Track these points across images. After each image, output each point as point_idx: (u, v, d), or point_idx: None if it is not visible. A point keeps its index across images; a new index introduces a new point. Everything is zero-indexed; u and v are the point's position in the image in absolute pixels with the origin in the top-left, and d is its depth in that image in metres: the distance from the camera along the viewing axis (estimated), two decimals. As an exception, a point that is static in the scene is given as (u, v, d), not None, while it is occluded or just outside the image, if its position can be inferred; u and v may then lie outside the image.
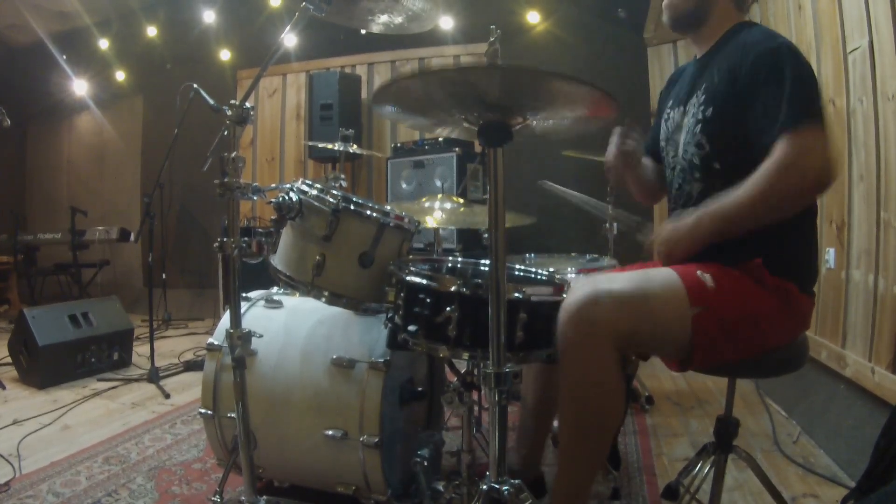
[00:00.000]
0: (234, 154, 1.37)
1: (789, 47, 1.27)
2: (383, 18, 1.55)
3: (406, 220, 1.55)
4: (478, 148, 4.08)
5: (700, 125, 1.39)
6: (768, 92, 1.24)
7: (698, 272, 1.26)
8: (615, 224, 2.77)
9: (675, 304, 1.23)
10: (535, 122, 1.17)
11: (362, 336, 1.62)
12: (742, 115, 1.28)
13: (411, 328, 1.30)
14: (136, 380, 3.12)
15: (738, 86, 1.30)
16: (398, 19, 1.55)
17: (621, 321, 1.18)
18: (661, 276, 1.27)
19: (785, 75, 1.23)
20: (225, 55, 5.19)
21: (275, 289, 1.91)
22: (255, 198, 1.43)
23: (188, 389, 3.00)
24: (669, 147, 1.52)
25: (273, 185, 1.51)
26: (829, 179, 1.21)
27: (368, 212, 1.49)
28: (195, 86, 1.67)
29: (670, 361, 1.34)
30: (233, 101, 1.37)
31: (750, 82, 1.28)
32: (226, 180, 1.37)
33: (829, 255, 2.38)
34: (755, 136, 1.25)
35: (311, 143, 3.96)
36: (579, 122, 1.21)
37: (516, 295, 1.23)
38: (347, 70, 4.82)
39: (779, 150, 1.19)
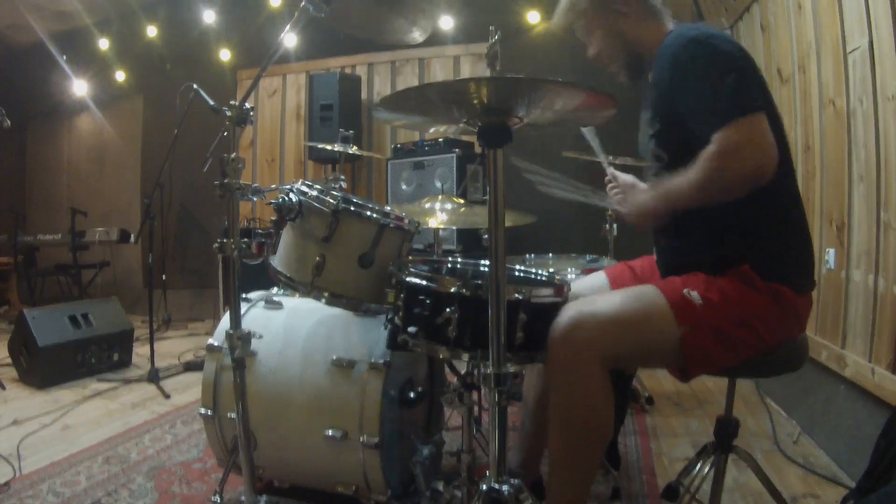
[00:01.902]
0: (233, 155, 1.37)
1: (697, 40, 1.27)
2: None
3: (406, 220, 1.56)
4: (478, 149, 4.08)
5: (654, 140, 1.42)
6: (688, 92, 1.26)
7: (685, 290, 1.28)
8: (615, 224, 2.77)
9: (661, 324, 1.25)
10: (535, 116, 1.18)
11: (362, 337, 1.62)
12: (681, 120, 1.29)
13: (411, 329, 1.30)
14: (136, 380, 3.12)
15: (665, 93, 1.32)
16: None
17: (606, 343, 1.22)
18: (646, 296, 1.29)
19: (699, 71, 1.24)
20: (225, 55, 5.18)
21: (275, 289, 1.91)
22: (254, 199, 1.43)
23: (188, 390, 3.00)
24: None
25: (273, 186, 1.51)
26: (770, 162, 1.19)
27: (368, 213, 1.49)
28: (195, 86, 1.67)
29: (672, 370, 1.35)
30: (233, 102, 1.37)
31: (668, 86, 1.30)
32: (226, 181, 1.37)
33: (829, 255, 2.38)
34: (698, 136, 1.25)
35: (310, 144, 3.96)
36: (581, 117, 1.24)
37: (516, 296, 1.23)
38: (347, 70, 4.82)
39: (715, 142, 1.19)
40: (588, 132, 1.93)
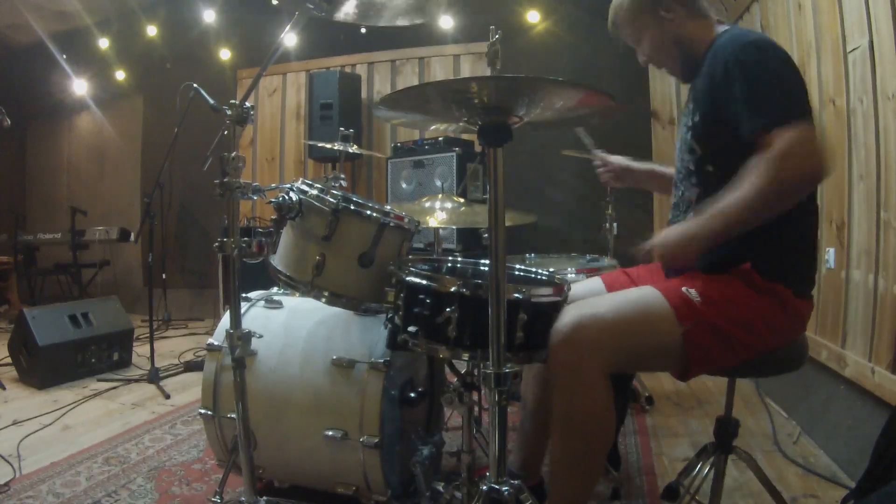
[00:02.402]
0: (233, 154, 1.37)
1: (758, 44, 1.28)
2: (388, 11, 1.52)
3: (406, 219, 1.55)
4: (478, 147, 4.08)
5: (691, 132, 1.41)
6: (748, 90, 1.24)
7: (683, 288, 1.28)
8: (615, 224, 2.77)
9: (662, 324, 1.25)
10: (535, 115, 1.18)
11: (362, 336, 1.62)
12: (726, 116, 1.29)
13: (411, 329, 1.30)
14: (136, 380, 3.12)
15: (717, 87, 1.31)
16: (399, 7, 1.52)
17: (607, 346, 1.22)
18: (646, 297, 1.29)
19: (762, 73, 1.24)
20: (225, 55, 5.18)
21: (275, 289, 1.91)
22: (254, 198, 1.42)
23: (188, 390, 3.00)
24: (676, 160, 1.54)
25: (273, 185, 1.51)
26: (824, 169, 1.20)
27: (368, 212, 1.49)
28: (195, 85, 1.67)
29: (671, 371, 1.35)
30: (233, 101, 1.37)
31: (726, 83, 1.28)
32: (226, 180, 1.37)
33: (829, 255, 2.38)
34: (742, 134, 1.25)
35: (310, 143, 3.96)
36: (581, 116, 1.24)
37: (516, 295, 1.23)
38: (347, 69, 4.81)
39: (772, 144, 1.18)
40: (580, 132, 1.95)
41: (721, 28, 1.44)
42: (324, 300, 1.51)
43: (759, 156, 1.19)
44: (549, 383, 1.63)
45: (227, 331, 1.41)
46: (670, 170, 1.75)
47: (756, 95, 1.23)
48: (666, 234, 1.32)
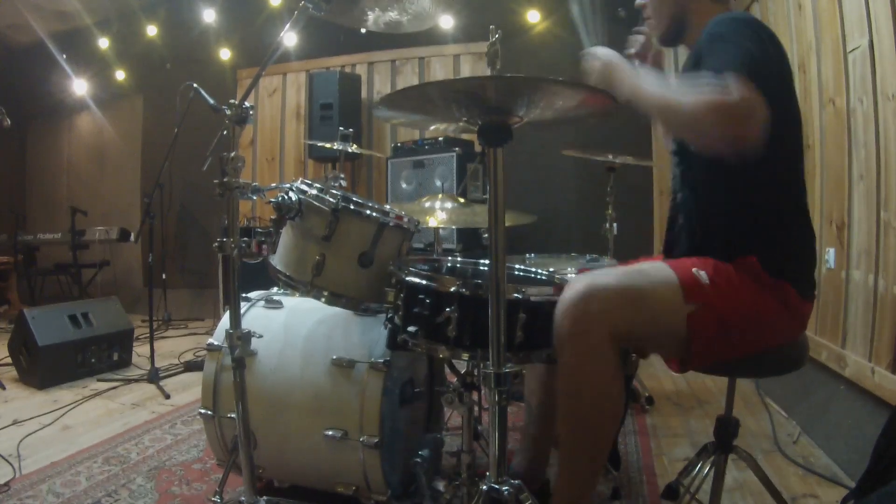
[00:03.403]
0: (233, 154, 1.37)
1: (733, 16, 1.29)
2: (386, 17, 1.54)
3: (406, 219, 1.55)
4: (478, 147, 4.08)
5: None
6: (715, 48, 1.24)
7: (693, 269, 1.27)
8: (615, 224, 2.77)
9: (670, 298, 1.23)
10: (536, 115, 1.18)
11: (362, 336, 1.62)
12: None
13: (411, 328, 1.30)
14: (136, 380, 3.12)
15: (698, 58, 1.31)
16: (398, 17, 1.53)
17: (617, 315, 1.19)
18: (655, 270, 1.28)
19: (734, 35, 1.23)
20: (225, 55, 5.18)
21: (275, 289, 1.91)
22: (254, 197, 1.42)
23: (188, 390, 3.00)
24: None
25: (273, 185, 1.51)
26: (759, 132, 1.12)
27: (368, 211, 1.49)
28: (195, 85, 1.67)
29: (671, 361, 1.34)
30: (232, 101, 1.37)
31: (703, 54, 1.28)
32: (225, 180, 1.37)
33: (829, 255, 2.38)
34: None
35: (310, 143, 3.96)
36: (580, 116, 1.24)
37: (516, 295, 1.23)
38: (347, 69, 4.81)
39: (728, 82, 1.13)
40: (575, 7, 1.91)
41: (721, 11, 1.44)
42: (323, 300, 1.51)
43: (714, 81, 1.14)
44: (554, 387, 1.63)
45: (227, 331, 1.41)
46: None
47: (720, 49, 1.22)
48: (612, 58, 1.36)
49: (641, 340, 1.31)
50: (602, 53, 1.37)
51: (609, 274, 1.26)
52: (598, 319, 1.18)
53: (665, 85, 1.26)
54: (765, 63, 1.20)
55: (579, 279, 1.24)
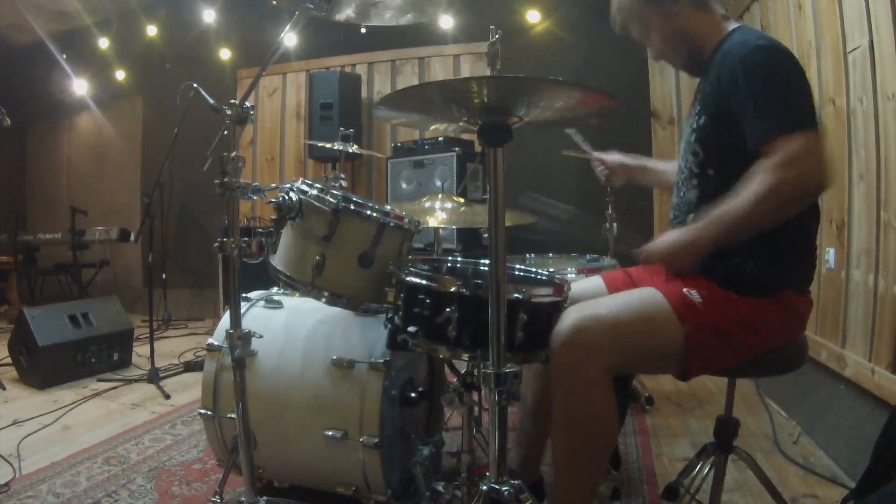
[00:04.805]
0: (233, 154, 1.37)
1: (766, 48, 1.26)
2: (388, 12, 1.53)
3: (406, 219, 1.55)
4: (478, 147, 4.07)
5: (695, 134, 1.40)
6: (754, 96, 1.23)
7: (684, 290, 1.28)
8: (615, 224, 2.77)
9: (663, 325, 1.25)
10: (535, 115, 1.18)
11: (362, 336, 1.62)
12: (731, 121, 1.28)
13: (411, 329, 1.30)
14: (136, 380, 3.12)
15: (723, 92, 1.30)
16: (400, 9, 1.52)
17: (608, 347, 1.21)
18: (647, 298, 1.29)
19: (769, 79, 1.22)
20: (225, 55, 5.18)
21: (275, 289, 1.91)
22: (255, 197, 1.42)
23: (188, 390, 3.00)
24: (679, 160, 1.53)
25: (273, 185, 1.51)
26: (825, 180, 1.19)
27: (368, 212, 1.49)
28: (195, 85, 1.66)
29: (671, 372, 1.35)
30: (233, 101, 1.37)
31: (732, 88, 1.27)
32: (226, 180, 1.37)
33: (829, 255, 2.38)
34: (747, 140, 1.24)
35: (311, 143, 3.96)
36: (580, 116, 1.25)
37: (516, 295, 1.23)
38: (347, 69, 4.81)
39: (775, 151, 1.17)
40: (573, 133, 1.96)
41: (730, 26, 1.43)
42: (324, 300, 1.51)
43: (761, 162, 1.18)
44: (549, 382, 1.63)
45: (227, 331, 1.41)
46: (662, 164, 1.76)
47: (762, 101, 1.22)
48: (662, 240, 1.32)
49: (637, 366, 1.34)
50: (657, 246, 1.32)
51: (600, 305, 1.27)
52: (590, 352, 1.21)
53: (720, 212, 1.22)
54: (804, 100, 1.23)
55: (571, 311, 1.26)
